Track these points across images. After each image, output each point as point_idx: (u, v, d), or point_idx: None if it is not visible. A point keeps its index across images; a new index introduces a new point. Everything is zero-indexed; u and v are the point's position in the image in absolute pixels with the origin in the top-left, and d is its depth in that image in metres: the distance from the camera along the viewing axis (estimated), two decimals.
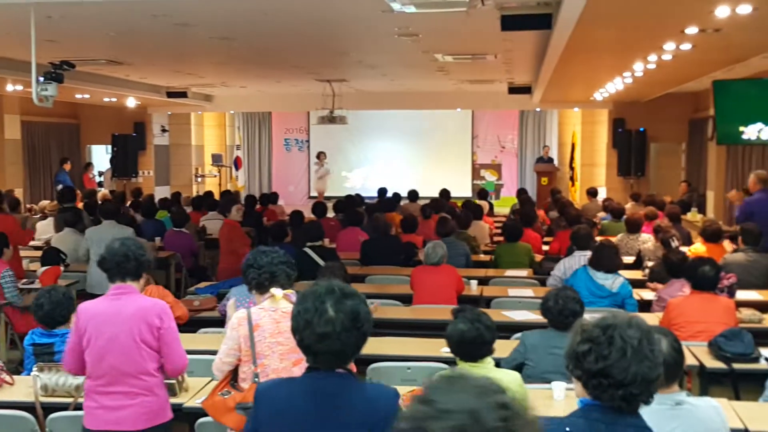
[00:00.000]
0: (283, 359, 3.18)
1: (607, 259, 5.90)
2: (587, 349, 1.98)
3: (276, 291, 3.29)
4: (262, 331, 3.21)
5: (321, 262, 6.21)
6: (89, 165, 16.28)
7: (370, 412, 2.29)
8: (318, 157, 17.72)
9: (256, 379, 3.17)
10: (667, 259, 5.96)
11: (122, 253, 3.42)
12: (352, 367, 2.51)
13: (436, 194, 11.86)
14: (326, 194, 16.66)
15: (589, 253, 6.20)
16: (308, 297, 2.33)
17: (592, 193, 12.86)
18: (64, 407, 3.80)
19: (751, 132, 7.31)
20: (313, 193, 18.28)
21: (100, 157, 17.96)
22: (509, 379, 3.59)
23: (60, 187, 13.22)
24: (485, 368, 3.58)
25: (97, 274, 6.88)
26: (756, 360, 4.46)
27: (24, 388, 4.00)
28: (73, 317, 4.14)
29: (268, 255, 3.44)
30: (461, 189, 17.53)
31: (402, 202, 11.77)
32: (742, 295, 6.05)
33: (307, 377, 2.36)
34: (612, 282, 5.89)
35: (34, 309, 4.23)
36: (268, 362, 3.18)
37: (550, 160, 16.99)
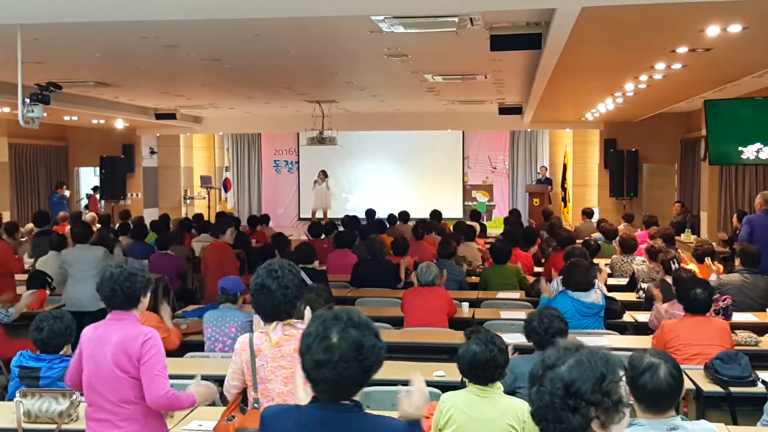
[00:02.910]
0: (287, 383, 3.14)
1: (581, 277, 5.82)
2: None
3: (274, 334, 3.17)
4: (264, 356, 3.16)
5: (308, 281, 6.14)
6: (96, 188, 16.27)
7: None
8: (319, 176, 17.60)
9: (256, 405, 3.13)
10: (679, 278, 5.87)
11: (110, 287, 3.33)
12: None
13: (427, 215, 11.80)
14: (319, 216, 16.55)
15: None
16: (315, 321, 2.24)
17: (588, 213, 12.80)
18: None
19: (750, 152, 7.28)
20: (306, 215, 18.22)
21: (89, 179, 17.85)
22: (517, 407, 3.43)
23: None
24: (495, 393, 3.47)
25: (74, 295, 6.98)
26: (753, 383, 4.38)
27: (7, 413, 3.92)
28: (66, 347, 4.15)
29: (278, 281, 3.18)
30: (452, 210, 17.49)
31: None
32: (738, 317, 5.99)
33: (310, 407, 2.26)
34: (596, 296, 5.83)
35: (33, 329, 4.20)
36: (272, 386, 3.15)
37: (548, 180, 16.97)
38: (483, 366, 3.45)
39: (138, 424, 3.33)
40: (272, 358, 3.14)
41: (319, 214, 17.27)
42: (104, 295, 3.36)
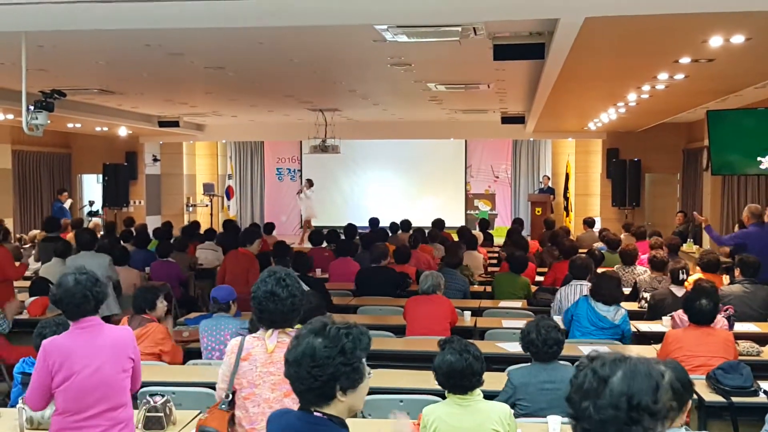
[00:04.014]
0: (274, 389, 3.13)
1: (607, 290, 5.84)
2: (571, 377, 1.94)
3: (270, 342, 3.17)
4: (253, 360, 3.16)
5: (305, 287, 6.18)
6: (92, 202, 16.31)
7: None
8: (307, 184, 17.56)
9: (222, 406, 3.17)
10: (699, 287, 5.86)
11: (81, 294, 3.30)
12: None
13: (429, 224, 11.80)
14: (317, 224, 16.50)
15: (586, 283, 6.12)
16: (302, 328, 2.31)
17: (589, 223, 12.80)
18: None
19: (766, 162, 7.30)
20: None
21: (92, 186, 17.88)
22: (499, 410, 3.48)
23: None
24: (475, 400, 3.48)
25: None
26: (755, 393, 4.37)
27: (9, 420, 3.91)
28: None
29: (287, 289, 3.17)
30: (455, 219, 17.48)
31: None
32: (739, 327, 5.98)
33: (295, 412, 2.32)
34: (614, 314, 5.82)
35: (35, 336, 4.17)
36: (259, 391, 3.14)
37: (550, 189, 16.96)
38: (460, 375, 3.46)
39: (127, 429, 3.37)
40: (262, 363, 3.14)
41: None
42: (74, 303, 3.29)
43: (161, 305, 5.30)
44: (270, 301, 3.15)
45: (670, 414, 1.71)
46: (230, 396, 3.16)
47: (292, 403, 3.06)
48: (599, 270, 7.46)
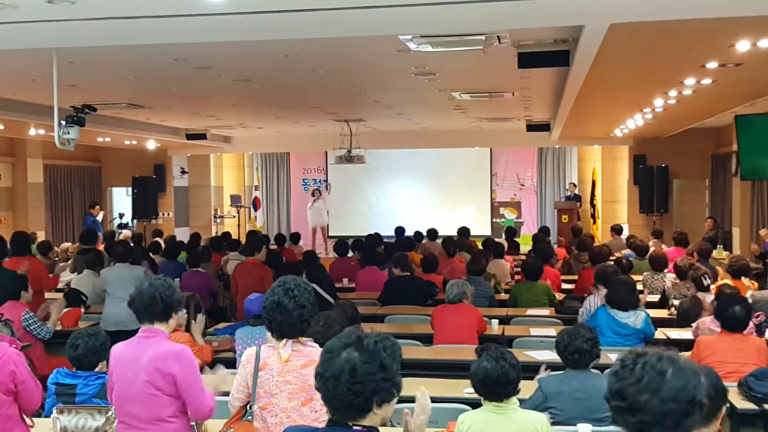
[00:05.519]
0: (291, 398, 3.13)
1: (622, 296, 5.78)
2: (614, 371, 1.99)
3: (284, 351, 3.18)
4: (270, 370, 3.16)
5: (330, 299, 6.24)
6: (122, 215, 16.59)
7: None
8: (313, 194, 17.63)
9: (249, 418, 3.15)
10: (719, 294, 5.81)
11: (150, 295, 3.39)
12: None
13: (455, 233, 11.78)
14: (347, 233, 16.54)
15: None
16: (335, 337, 2.26)
17: (617, 230, 12.70)
18: None
19: None
20: (336, 233, 18.27)
21: (121, 199, 18.14)
22: (536, 419, 3.47)
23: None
24: (511, 408, 3.48)
25: (113, 313, 6.99)
26: None
27: (44, 430, 3.96)
28: (101, 364, 4.20)
29: (295, 299, 3.18)
30: (480, 227, 17.44)
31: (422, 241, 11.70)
32: None
33: (325, 428, 2.27)
34: (634, 319, 5.76)
35: (68, 347, 4.27)
36: (276, 401, 3.14)
37: (577, 197, 16.85)
38: (495, 382, 3.48)
39: None
40: (278, 372, 3.14)
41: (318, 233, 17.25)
42: (142, 304, 3.39)
43: (181, 314, 5.34)
44: (277, 312, 3.16)
45: (709, 415, 1.81)
46: (252, 406, 3.17)
47: (310, 412, 3.10)
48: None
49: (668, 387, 1.89)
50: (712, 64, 6.45)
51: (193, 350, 5.09)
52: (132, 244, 11.21)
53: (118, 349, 3.45)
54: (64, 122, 6.62)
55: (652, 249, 9.85)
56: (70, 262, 9.92)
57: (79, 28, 4.93)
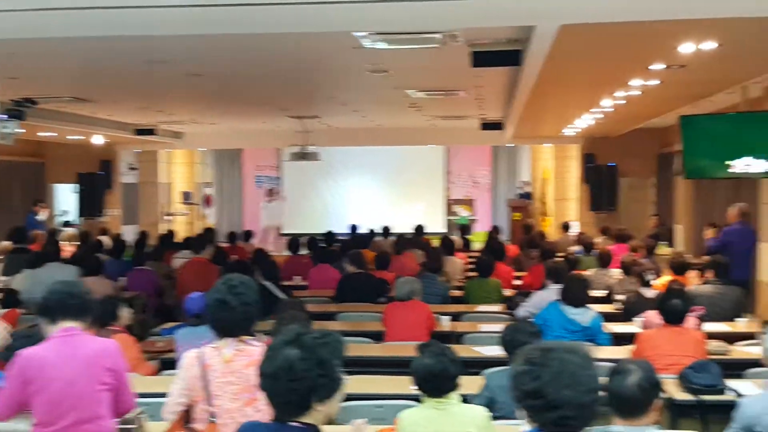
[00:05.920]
0: (234, 399, 3.10)
1: (575, 292, 5.89)
2: (524, 370, 1.97)
3: (226, 350, 3.15)
4: (213, 371, 3.13)
5: (281, 295, 6.21)
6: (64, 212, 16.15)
7: None
8: (269, 193, 17.50)
9: (213, 419, 3.10)
10: (672, 290, 5.96)
11: (66, 291, 3.30)
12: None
13: (409, 230, 11.83)
14: (301, 231, 16.43)
15: (560, 287, 6.16)
16: (278, 335, 2.28)
17: (565, 226, 12.93)
18: None
19: (739, 166, 7.43)
20: (290, 230, 18.14)
21: (66, 196, 17.66)
22: (475, 413, 3.51)
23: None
24: (450, 404, 3.52)
25: None
26: (722, 392, 4.47)
27: None
28: None
29: (239, 297, 3.14)
30: (435, 225, 17.52)
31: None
32: (709, 326, 6.09)
33: (269, 424, 2.28)
34: (583, 316, 5.86)
35: (5, 348, 4.13)
36: (220, 402, 3.11)
37: (527, 195, 17.12)
38: (436, 377, 3.52)
39: None
40: (221, 373, 3.11)
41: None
42: (57, 299, 3.28)
43: (125, 314, 5.21)
44: (220, 309, 3.12)
45: (644, 406, 1.99)
46: (211, 408, 3.11)
47: (254, 412, 3.07)
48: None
49: (584, 378, 1.91)
50: (658, 66, 6.59)
51: (139, 364, 4.99)
52: (78, 243, 10.94)
53: (36, 352, 3.27)
54: (2, 116, 6.43)
55: (600, 245, 10.06)
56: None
57: (22, 19, 4.77)
